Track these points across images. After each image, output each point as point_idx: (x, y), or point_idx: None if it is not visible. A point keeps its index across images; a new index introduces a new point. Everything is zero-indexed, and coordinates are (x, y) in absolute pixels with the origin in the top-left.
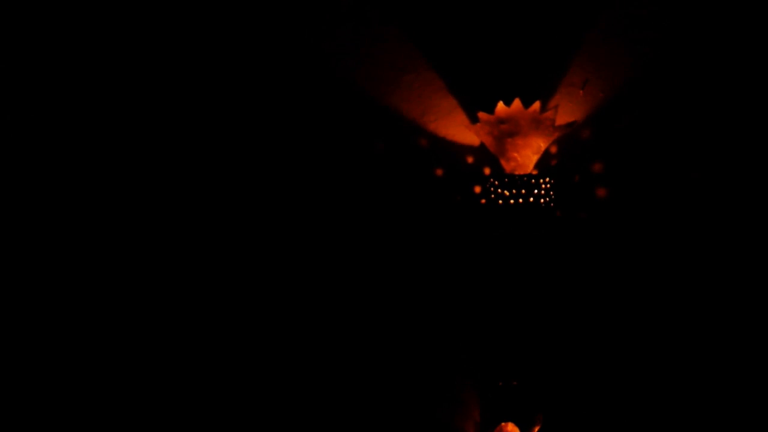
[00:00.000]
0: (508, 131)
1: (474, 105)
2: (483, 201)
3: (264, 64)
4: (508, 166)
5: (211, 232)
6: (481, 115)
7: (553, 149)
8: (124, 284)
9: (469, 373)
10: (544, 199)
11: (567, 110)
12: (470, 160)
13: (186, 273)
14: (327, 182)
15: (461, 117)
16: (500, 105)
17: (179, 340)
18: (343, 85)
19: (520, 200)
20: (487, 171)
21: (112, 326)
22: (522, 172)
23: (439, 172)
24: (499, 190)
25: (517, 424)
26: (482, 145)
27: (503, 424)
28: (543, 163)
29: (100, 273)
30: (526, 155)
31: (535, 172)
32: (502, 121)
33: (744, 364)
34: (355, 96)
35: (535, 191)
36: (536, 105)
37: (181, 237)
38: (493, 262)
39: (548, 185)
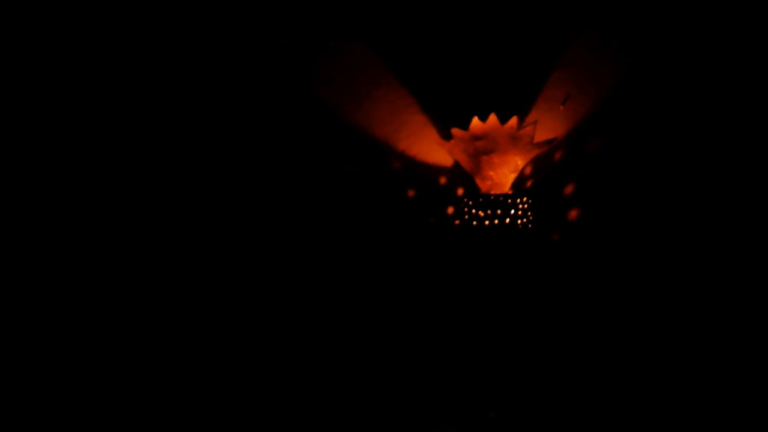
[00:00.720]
0: (484, 148)
1: (447, 121)
2: (457, 222)
3: (226, 77)
4: (483, 185)
5: (185, 246)
6: (455, 131)
7: (529, 168)
8: (107, 283)
9: (445, 405)
10: (521, 221)
11: (546, 126)
12: (443, 179)
13: (161, 288)
14: (295, 204)
15: (433, 134)
16: (475, 120)
17: (158, 341)
18: (309, 101)
19: (496, 221)
20: (460, 191)
21: (104, 325)
22: (499, 192)
23: (411, 192)
24: (474, 211)
25: None
26: (456, 163)
27: None
28: (519, 183)
29: (87, 271)
30: (502, 174)
31: (511, 192)
32: (477, 137)
33: (718, 382)
34: (321, 112)
35: (512, 212)
36: (513, 120)
37: (157, 247)
38: (467, 284)
39: (525, 206)
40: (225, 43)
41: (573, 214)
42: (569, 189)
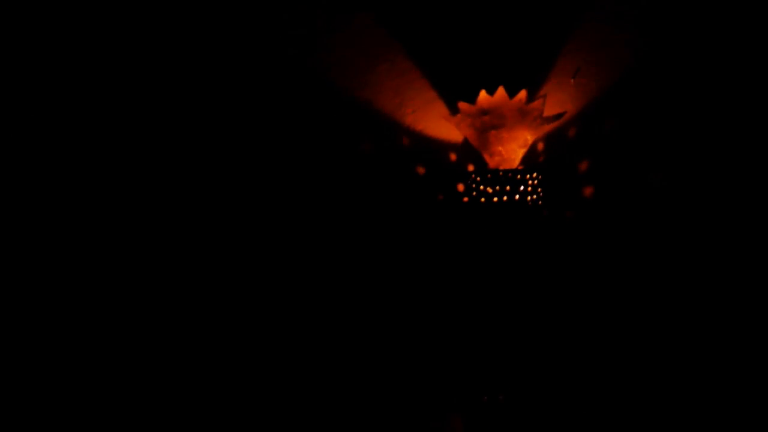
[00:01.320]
0: (492, 123)
1: (455, 95)
2: (466, 199)
3: (226, 53)
4: (492, 161)
5: (188, 237)
6: (462, 105)
7: (541, 144)
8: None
9: (452, 388)
10: (531, 197)
11: (556, 100)
12: (453, 155)
13: (168, 272)
14: (296, 184)
15: (441, 108)
16: (482, 94)
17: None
18: (313, 75)
19: (505, 198)
20: (471, 167)
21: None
22: (508, 168)
23: (421, 169)
24: (482, 187)
25: None
26: (466, 140)
27: None
28: (530, 159)
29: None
30: (511, 149)
31: (521, 168)
32: (484, 111)
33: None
34: (324, 87)
35: (521, 188)
36: (522, 94)
37: (163, 237)
38: (477, 264)
39: (535, 181)
40: (221, 17)
41: (586, 191)
42: (582, 166)
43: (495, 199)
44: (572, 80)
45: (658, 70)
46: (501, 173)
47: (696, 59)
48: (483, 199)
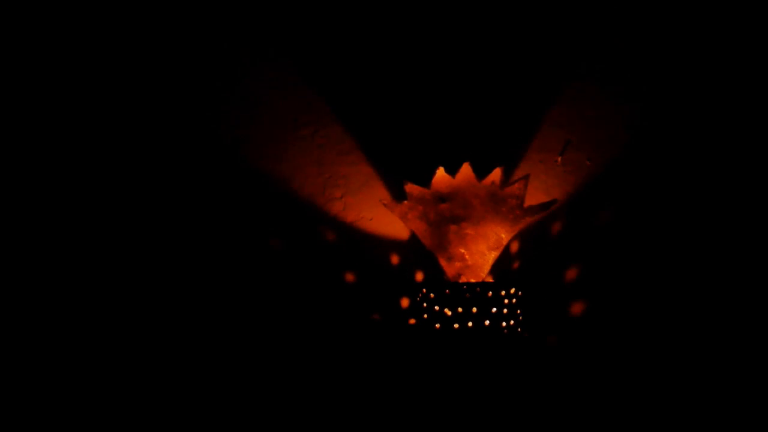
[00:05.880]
0: (452, 214)
1: (401, 173)
2: (412, 321)
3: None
4: (451, 269)
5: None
6: (410, 188)
7: (515, 244)
8: None
9: None
10: (507, 322)
11: (540, 184)
12: (395, 257)
13: None
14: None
15: (381, 191)
16: (440, 173)
17: None
18: (206, 140)
19: (470, 324)
20: (420, 276)
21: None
22: (473, 279)
23: (350, 276)
24: (436, 307)
25: None
26: (415, 236)
27: None
28: (501, 266)
29: None
30: (478, 252)
31: (490, 279)
32: (442, 197)
33: None
34: (222, 156)
35: (494, 309)
36: (496, 174)
37: None
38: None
39: (513, 300)
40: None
41: (577, 309)
42: (572, 274)
43: (456, 325)
44: (559, 157)
45: (670, 142)
46: (465, 287)
47: (713, 124)
48: (438, 325)
